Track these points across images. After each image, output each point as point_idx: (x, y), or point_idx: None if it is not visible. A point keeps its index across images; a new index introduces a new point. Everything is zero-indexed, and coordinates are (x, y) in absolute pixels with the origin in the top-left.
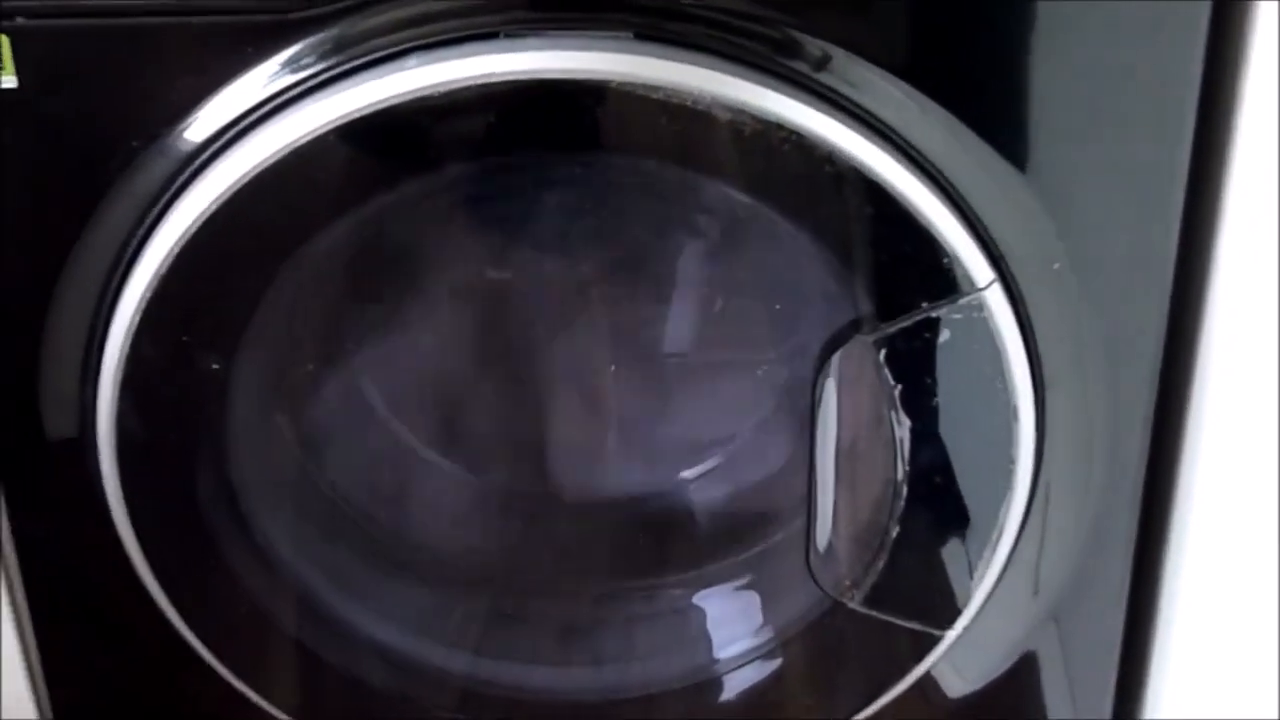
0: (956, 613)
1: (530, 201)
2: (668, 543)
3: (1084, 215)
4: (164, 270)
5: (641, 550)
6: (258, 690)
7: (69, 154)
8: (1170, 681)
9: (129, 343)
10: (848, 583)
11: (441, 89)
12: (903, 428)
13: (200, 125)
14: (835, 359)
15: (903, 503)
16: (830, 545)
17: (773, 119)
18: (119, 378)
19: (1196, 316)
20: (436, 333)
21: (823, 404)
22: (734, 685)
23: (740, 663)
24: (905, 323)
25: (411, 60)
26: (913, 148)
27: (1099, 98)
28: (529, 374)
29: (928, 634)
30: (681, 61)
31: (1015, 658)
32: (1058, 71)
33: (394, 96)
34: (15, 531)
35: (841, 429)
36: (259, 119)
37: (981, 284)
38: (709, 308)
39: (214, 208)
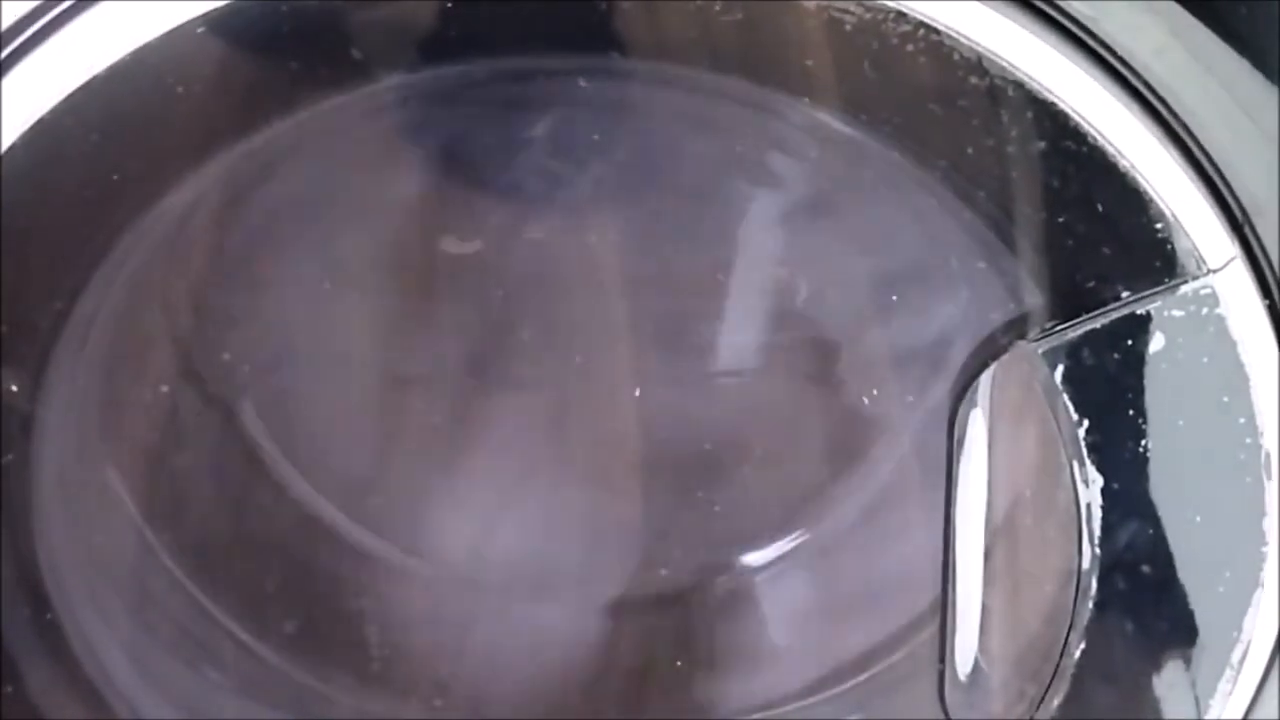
0: None
1: (509, 136)
2: (725, 666)
3: None
4: None
5: (684, 678)
6: None
7: None
8: None
9: None
10: None
11: None
12: (1091, 488)
13: None
14: (986, 379)
15: (1091, 606)
16: (977, 671)
17: (890, 5)
18: None
19: None
20: (365, 337)
21: (966, 450)
22: None
23: None
24: (1095, 323)
25: None
26: (1109, 50)
27: None
28: (507, 402)
29: None
30: None
31: None
32: None
33: None
34: None
35: (995, 489)
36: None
37: (1216, 263)
38: (787, 300)
39: (12, 141)
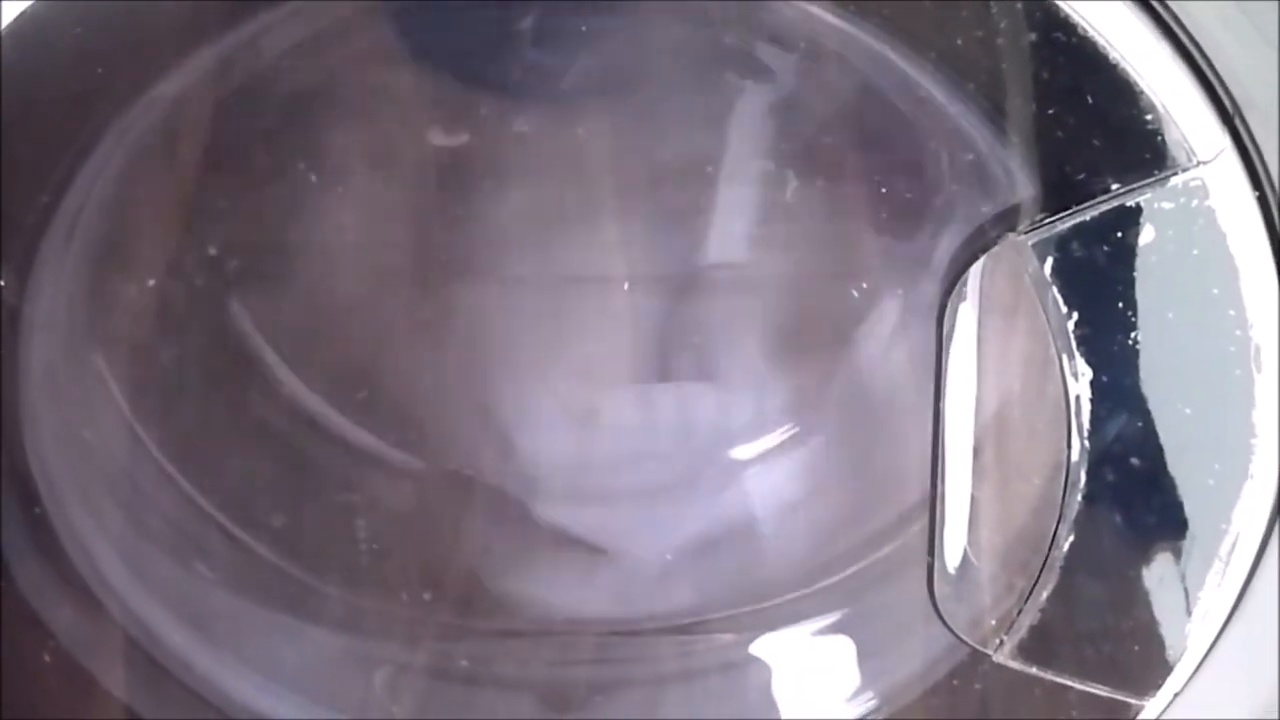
0: (1165, 670)
1: (497, 28)
2: (712, 561)
3: None
4: None
5: (672, 573)
6: None
7: None
8: None
9: None
10: (993, 622)
11: None
12: (1080, 381)
13: None
14: (975, 271)
15: (1080, 499)
16: (966, 565)
17: None
18: None
19: None
20: (353, 229)
21: (954, 343)
22: None
23: None
24: (1085, 215)
25: None
26: None
27: None
28: (495, 296)
29: (1118, 703)
30: None
31: None
32: None
33: None
34: None
35: (984, 382)
36: None
37: (1206, 155)
38: (776, 193)
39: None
